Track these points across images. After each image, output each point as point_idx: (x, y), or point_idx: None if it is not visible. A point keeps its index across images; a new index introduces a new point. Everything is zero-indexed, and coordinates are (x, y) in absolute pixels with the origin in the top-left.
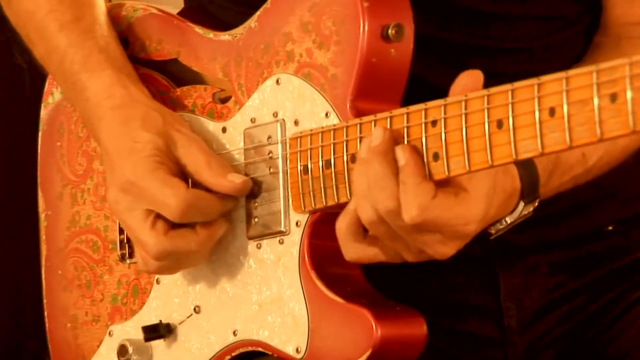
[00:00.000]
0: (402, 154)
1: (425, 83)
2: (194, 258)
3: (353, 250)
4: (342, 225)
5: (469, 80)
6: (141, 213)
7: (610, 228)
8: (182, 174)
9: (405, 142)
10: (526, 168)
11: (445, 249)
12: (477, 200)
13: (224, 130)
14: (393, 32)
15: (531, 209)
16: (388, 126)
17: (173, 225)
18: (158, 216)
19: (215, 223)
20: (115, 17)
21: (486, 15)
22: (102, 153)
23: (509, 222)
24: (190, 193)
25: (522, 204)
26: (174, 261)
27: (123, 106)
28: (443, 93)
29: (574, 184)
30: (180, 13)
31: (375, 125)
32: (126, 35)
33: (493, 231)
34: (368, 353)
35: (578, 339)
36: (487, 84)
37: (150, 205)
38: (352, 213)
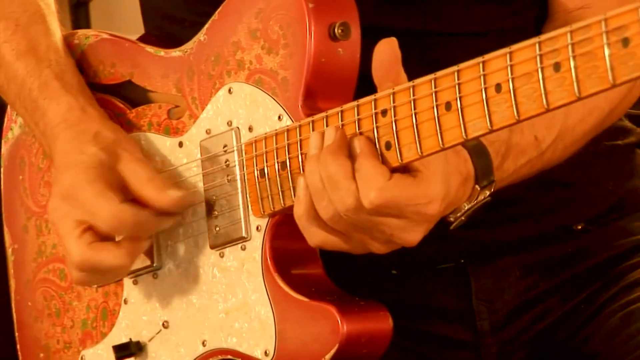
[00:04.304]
0: (357, 143)
1: None
2: (116, 272)
3: (317, 236)
4: (300, 211)
5: (384, 48)
6: (73, 222)
7: (579, 227)
8: (124, 190)
9: (358, 134)
10: (477, 151)
11: (411, 235)
12: (435, 178)
13: (180, 144)
14: (339, 31)
15: (488, 193)
16: (340, 121)
17: (102, 240)
18: (89, 228)
19: (140, 240)
20: (68, 47)
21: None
22: (53, 169)
23: (467, 207)
24: (123, 206)
25: (477, 187)
26: (95, 273)
27: (78, 124)
28: None
29: (530, 170)
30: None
31: (327, 121)
32: (80, 63)
33: (452, 219)
34: (335, 348)
35: (551, 340)
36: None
37: (83, 215)
38: (307, 200)
